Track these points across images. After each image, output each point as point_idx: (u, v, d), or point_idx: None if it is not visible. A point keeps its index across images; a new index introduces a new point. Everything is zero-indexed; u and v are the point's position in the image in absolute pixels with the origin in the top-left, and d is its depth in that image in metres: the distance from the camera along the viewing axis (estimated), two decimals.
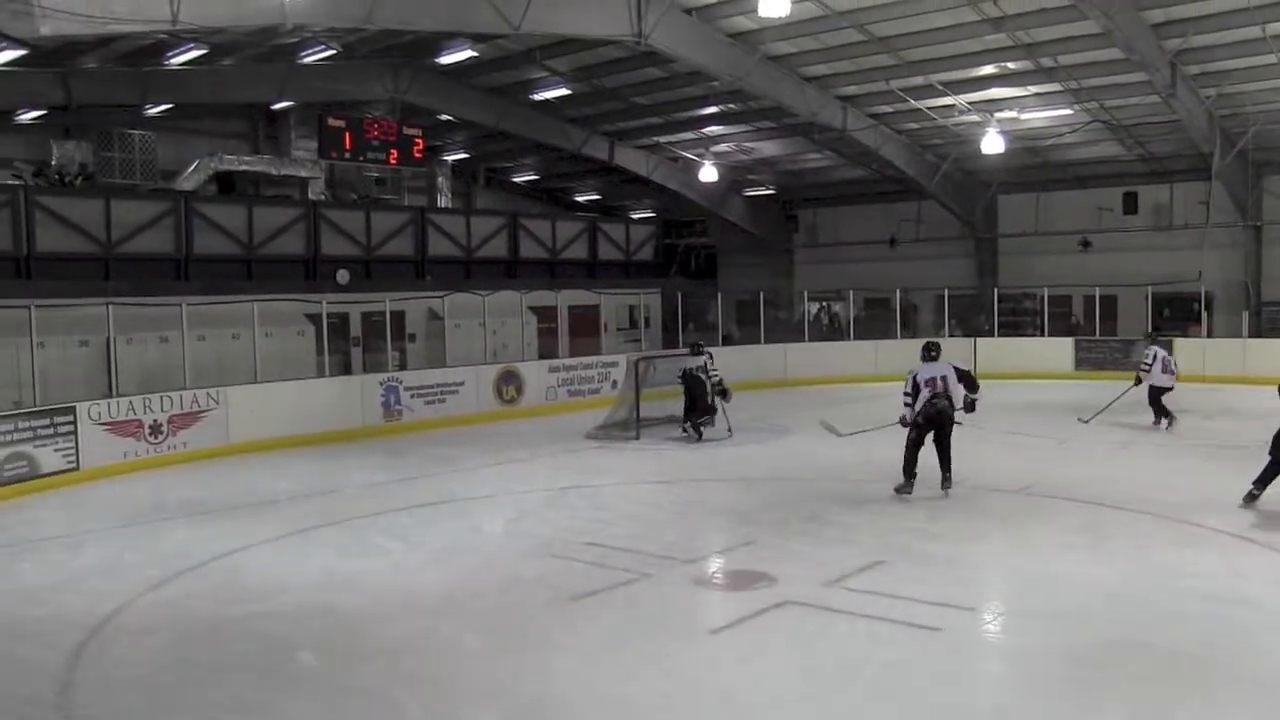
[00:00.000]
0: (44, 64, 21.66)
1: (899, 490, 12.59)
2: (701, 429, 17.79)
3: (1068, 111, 25.48)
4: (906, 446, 12.60)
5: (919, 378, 12.57)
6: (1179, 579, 9.05)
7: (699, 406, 17.90)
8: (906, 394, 12.61)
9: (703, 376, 17.92)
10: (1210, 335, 26.04)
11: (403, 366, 21.73)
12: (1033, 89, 24.30)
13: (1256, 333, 26.18)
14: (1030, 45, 21.65)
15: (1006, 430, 17.90)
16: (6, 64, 20.44)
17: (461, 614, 8.59)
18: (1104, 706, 6.55)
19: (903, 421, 12.63)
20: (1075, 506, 12.00)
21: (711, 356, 18.34)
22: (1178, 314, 27.51)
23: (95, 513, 12.96)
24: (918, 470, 12.57)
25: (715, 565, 10.15)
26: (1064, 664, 7.21)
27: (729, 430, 17.83)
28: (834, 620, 8.17)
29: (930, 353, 12.88)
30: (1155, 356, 18.22)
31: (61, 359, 17.38)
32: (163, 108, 25.27)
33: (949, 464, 12.65)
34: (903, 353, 24.85)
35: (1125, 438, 16.84)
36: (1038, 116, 25.94)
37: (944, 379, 12.52)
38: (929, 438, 12.59)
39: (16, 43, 17.21)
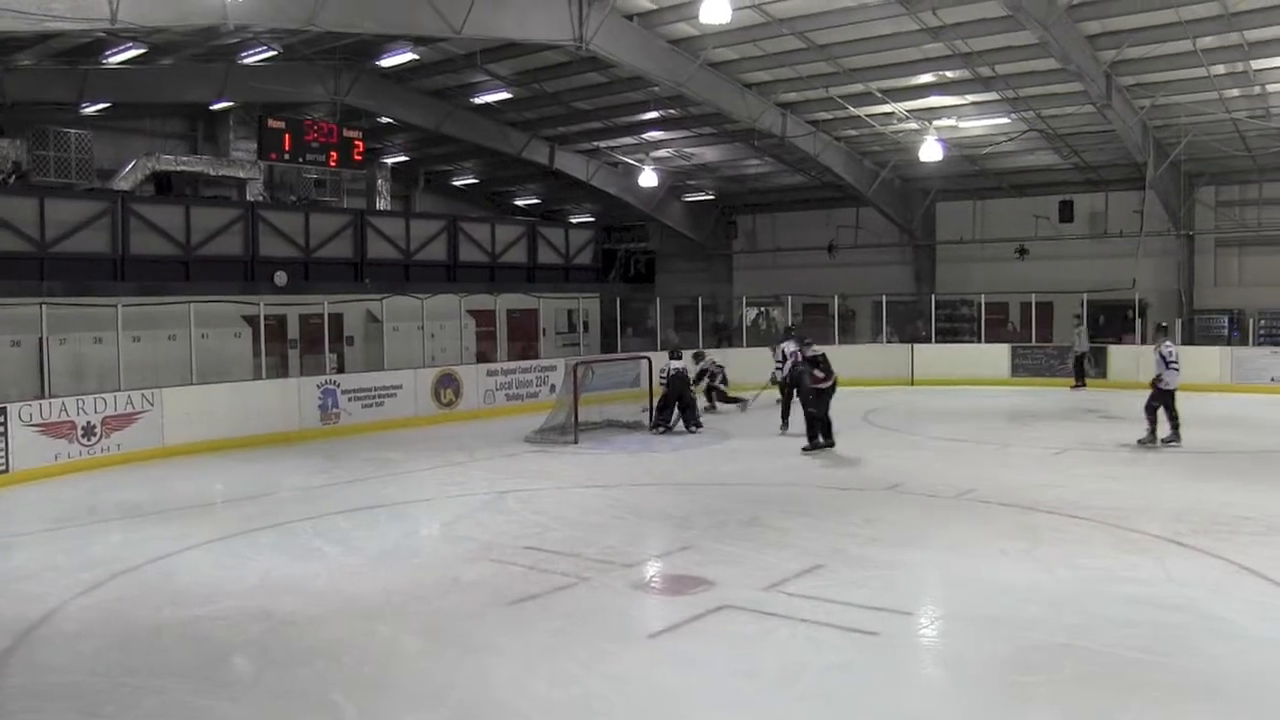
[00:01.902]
0: None
1: (780, 431, 18.10)
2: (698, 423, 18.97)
3: (1005, 120, 25.90)
4: (782, 400, 18.59)
5: (785, 350, 18.68)
6: (1116, 584, 9.12)
7: (685, 404, 18.75)
8: (777, 363, 18.64)
9: (689, 377, 19.07)
10: (1144, 342, 26.46)
11: (341, 369, 21.66)
12: (971, 98, 24.70)
13: (1189, 340, 26.73)
14: (968, 54, 21.99)
15: (944, 436, 18.14)
16: None
17: (399, 617, 8.59)
18: (1041, 711, 6.58)
19: (773, 379, 18.85)
20: (1012, 511, 12.10)
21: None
22: (1113, 321, 28.01)
23: (26, 515, 12.82)
24: (821, 439, 16.60)
25: (654, 569, 10.21)
26: (1002, 668, 7.24)
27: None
28: (773, 625, 8.20)
29: (791, 334, 19.89)
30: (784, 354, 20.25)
31: None
32: (100, 106, 25.02)
33: (788, 411, 18.43)
34: (840, 358, 25.11)
35: (1061, 444, 17.06)
36: (976, 125, 26.38)
37: (797, 352, 17.88)
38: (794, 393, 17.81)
39: None
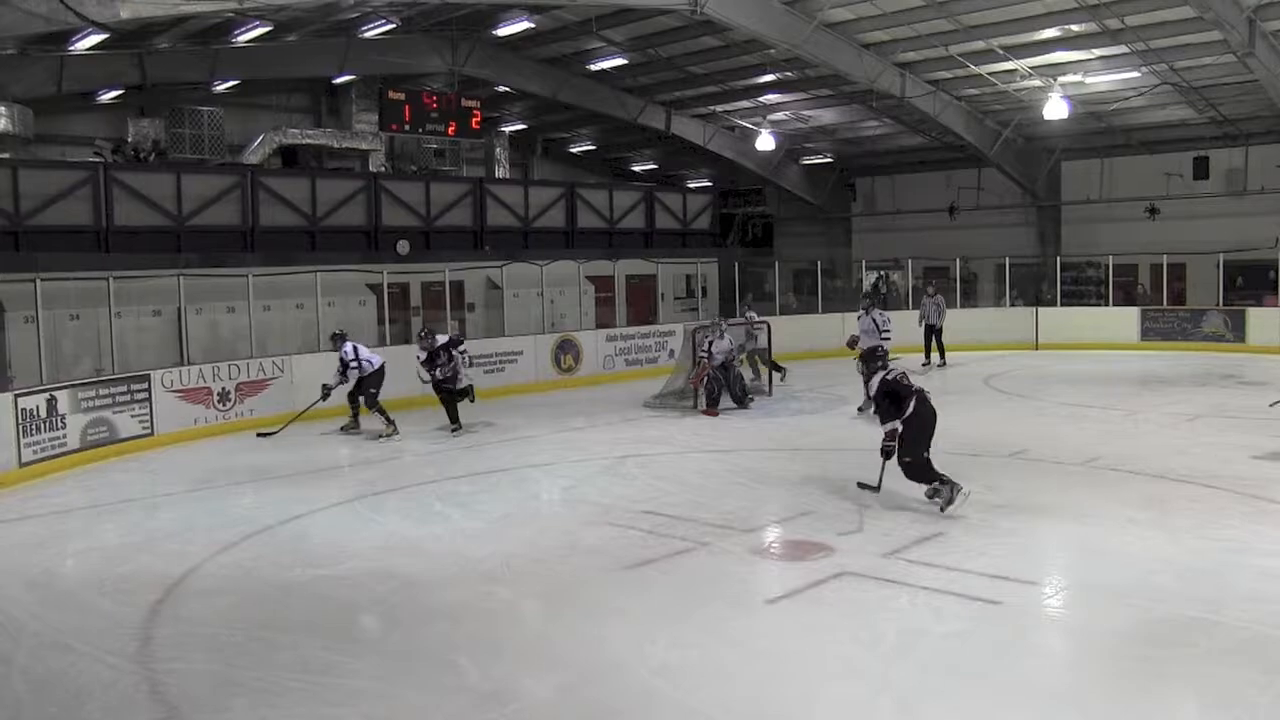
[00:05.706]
0: (122, 45, 22.29)
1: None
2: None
3: (1134, 74, 24.87)
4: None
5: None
6: (1252, 556, 8.75)
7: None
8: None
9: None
10: None
11: (462, 335, 21.95)
12: (1098, 52, 23.78)
13: None
14: (1095, 6, 21.11)
15: (1070, 402, 17.67)
16: (90, 48, 21.07)
17: (520, 580, 8.75)
18: (1174, 686, 6.37)
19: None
20: (1141, 480, 11.71)
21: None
22: (1252, 283, 26.91)
23: (169, 477, 13.33)
24: None
25: (772, 535, 10.19)
26: (1128, 642, 7.01)
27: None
28: (893, 592, 8.12)
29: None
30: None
31: (137, 328, 17.89)
32: (230, 84, 25.77)
33: None
34: (963, 322, 24.85)
35: (1193, 410, 16.44)
36: (1103, 80, 25.41)
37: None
38: None
39: (100, 27, 17.70)
